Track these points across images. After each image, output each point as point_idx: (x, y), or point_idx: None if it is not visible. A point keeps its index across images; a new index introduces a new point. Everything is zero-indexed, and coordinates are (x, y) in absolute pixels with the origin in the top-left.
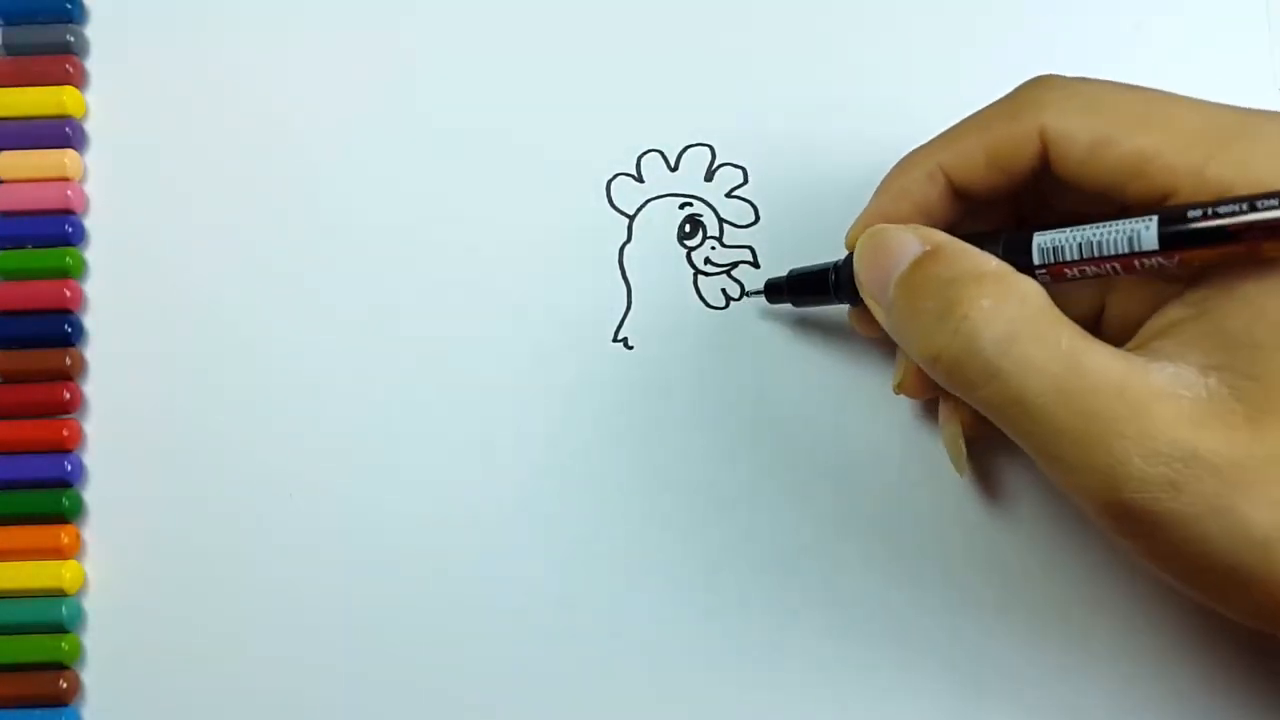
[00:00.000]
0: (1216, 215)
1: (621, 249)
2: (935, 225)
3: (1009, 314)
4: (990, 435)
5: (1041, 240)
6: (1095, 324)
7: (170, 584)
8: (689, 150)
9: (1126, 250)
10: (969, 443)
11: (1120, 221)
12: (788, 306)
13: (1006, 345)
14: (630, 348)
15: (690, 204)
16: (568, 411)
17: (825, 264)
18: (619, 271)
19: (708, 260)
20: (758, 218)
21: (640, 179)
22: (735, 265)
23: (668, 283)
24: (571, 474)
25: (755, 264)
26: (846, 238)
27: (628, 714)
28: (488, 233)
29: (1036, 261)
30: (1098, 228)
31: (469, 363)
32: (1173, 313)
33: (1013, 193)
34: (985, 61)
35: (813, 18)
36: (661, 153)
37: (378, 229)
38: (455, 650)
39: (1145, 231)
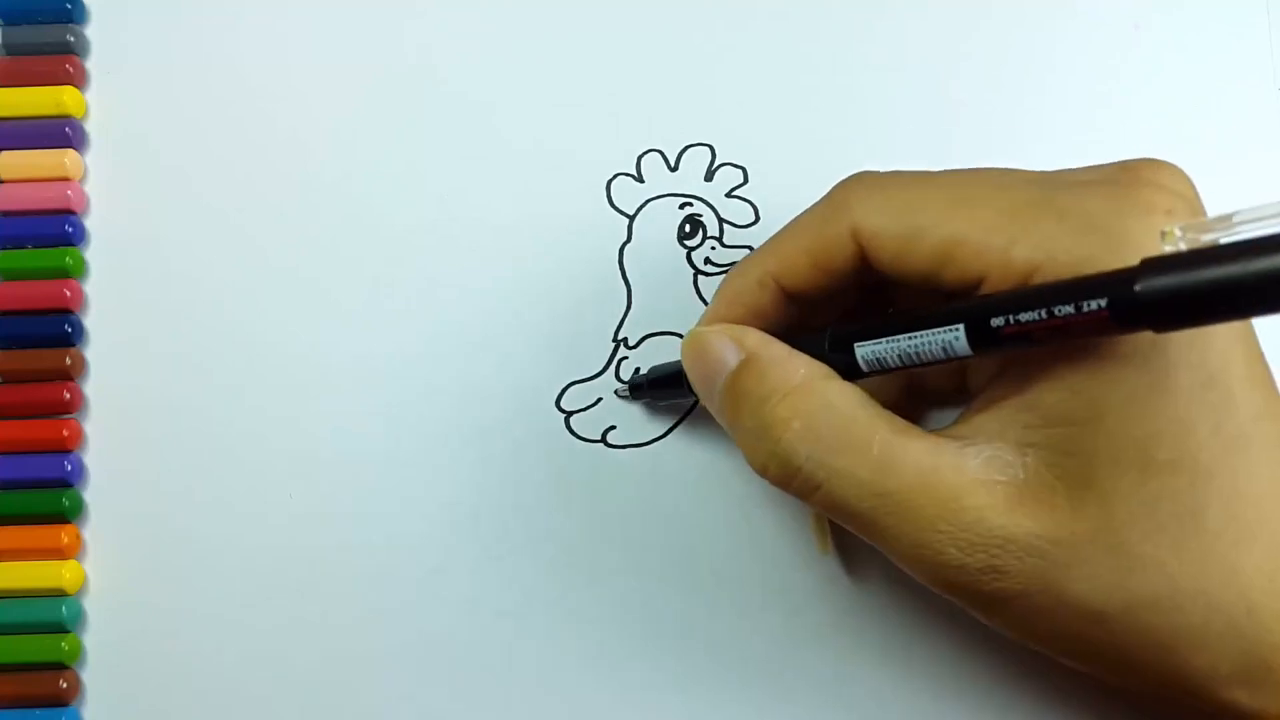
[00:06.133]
0: (1019, 324)
1: (621, 249)
2: (771, 326)
3: (819, 430)
4: None
5: (864, 351)
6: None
7: (170, 584)
8: (689, 150)
9: (943, 356)
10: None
11: (932, 331)
12: None
13: (820, 460)
14: (630, 348)
15: (690, 204)
16: (567, 410)
17: (678, 361)
18: (619, 271)
19: (708, 260)
20: (758, 218)
21: (640, 179)
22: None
23: (668, 283)
24: (571, 472)
25: None
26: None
27: (626, 712)
28: (488, 232)
29: (864, 370)
30: (913, 338)
31: (469, 362)
32: (996, 389)
33: (843, 287)
34: (985, 62)
35: (813, 18)
36: (661, 153)
37: (378, 229)
38: (455, 651)
39: (956, 341)
